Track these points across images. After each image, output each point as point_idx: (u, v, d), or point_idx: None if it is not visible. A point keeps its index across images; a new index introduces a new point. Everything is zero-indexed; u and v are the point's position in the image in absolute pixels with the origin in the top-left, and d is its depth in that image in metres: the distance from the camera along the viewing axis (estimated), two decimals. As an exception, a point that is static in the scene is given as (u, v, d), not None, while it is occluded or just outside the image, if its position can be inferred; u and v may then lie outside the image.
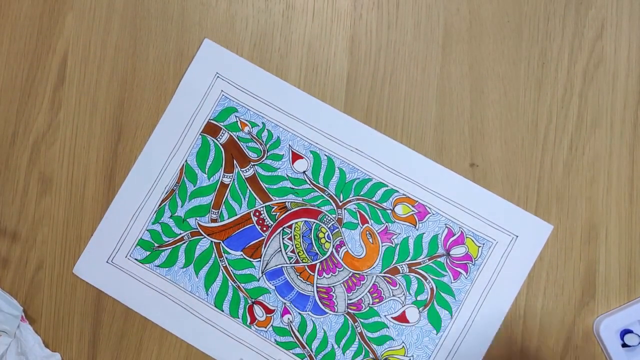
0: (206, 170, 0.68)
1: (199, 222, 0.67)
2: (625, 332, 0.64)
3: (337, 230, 0.67)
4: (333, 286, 0.66)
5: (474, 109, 0.67)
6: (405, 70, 0.68)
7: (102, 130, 0.69)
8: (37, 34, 0.69)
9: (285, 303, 0.66)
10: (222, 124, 0.68)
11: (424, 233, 0.66)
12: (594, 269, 0.66)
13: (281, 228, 0.67)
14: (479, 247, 0.66)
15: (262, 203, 0.67)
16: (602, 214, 0.66)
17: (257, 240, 0.67)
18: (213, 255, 0.67)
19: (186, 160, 0.68)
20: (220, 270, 0.67)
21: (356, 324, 0.66)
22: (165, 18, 0.69)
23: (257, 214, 0.67)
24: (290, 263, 0.67)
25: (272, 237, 0.67)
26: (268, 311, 0.66)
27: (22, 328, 0.66)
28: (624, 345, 0.64)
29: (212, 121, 0.68)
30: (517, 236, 0.66)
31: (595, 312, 0.66)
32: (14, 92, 0.69)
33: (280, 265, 0.67)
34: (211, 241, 0.67)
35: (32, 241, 0.68)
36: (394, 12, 0.68)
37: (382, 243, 0.66)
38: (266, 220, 0.67)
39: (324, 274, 0.66)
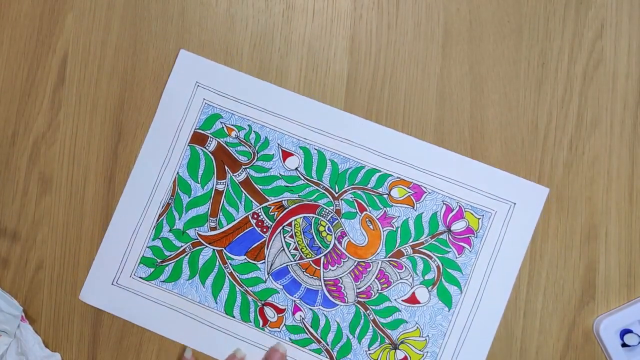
0: (199, 179, 0.68)
1: (199, 232, 0.67)
2: (625, 332, 0.64)
3: (336, 221, 0.67)
4: (340, 277, 0.66)
5: (474, 109, 0.67)
6: (405, 70, 0.68)
7: (102, 130, 0.69)
8: (37, 34, 0.69)
9: (295, 301, 0.66)
10: (208, 132, 0.68)
11: (422, 213, 0.66)
12: (594, 269, 0.66)
13: (281, 227, 0.67)
14: (479, 218, 0.66)
15: (259, 205, 0.67)
16: (602, 214, 0.66)
17: (259, 243, 0.67)
18: (217, 263, 0.67)
19: (178, 173, 0.68)
20: (226, 277, 0.67)
21: (368, 311, 0.66)
22: (165, 18, 0.69)
23: (256, 216, 0.67)
24: (295, 260, 0.67)
25: (273, 237, 0.67)
26: (279, 311, 0.66)
27: (22, 328, 0.66)
28: (624, 345, 0.64)
29: (198, 130, 0.68)
30: (514, 203, 0.66)
31: (595, 312, 0.66)
32: (14, 92, 0.69)
33: (285, 264, 0.67)
34: (213, 249, 0.67)
35: (32, 241, 0.68)
36: (394, 12, 0.68)
37: (382, 228, 0.66)
38: (265, 222, 0.67)
39: (330, 267, 0.66)
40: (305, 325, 0.66)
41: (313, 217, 0.67)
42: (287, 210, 0.67)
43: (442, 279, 0.66)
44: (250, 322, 0.66)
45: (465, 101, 0.67)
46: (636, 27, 0.67)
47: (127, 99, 0.69)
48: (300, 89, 0.68)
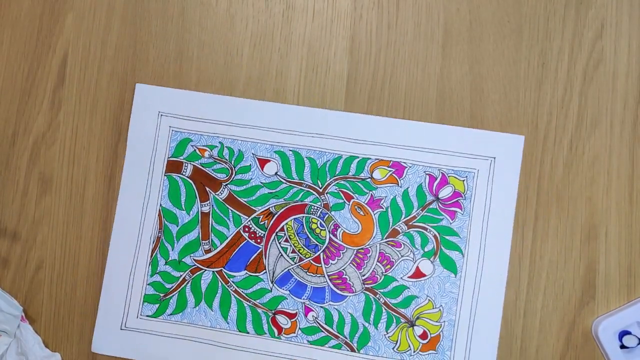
0: (183, 206, 0.68)
1: (195, 258, 0.68)
2: (624, 333, 0.64)
3: (327, 215, 0.67)
4: (343, 269, 0.66)
5: (474, 109, 0.67)
6: (405, 70, 0.68)
7: (102, 130, 0.69)
8: (37, 34, 0.69)
9: (304, 302, 0.67)
10: (181, 158, 0.68)
11: (408, 187, 0.67)
12: (594, 269, 0.66)
13: (274, 234, 0.67)
14: (463, 180, 0.67)
15: (247, 217, 0.68)
16: (602, 214, 0.66)
17: (256, 254, 0.67)
18: (219, 284, 0.67)
19: (160, 205, 0.68)
20: (232, 295, 0.67)
21: (377, 296, 0.66)
22: (165, 18, 0.69)
23: (247, 229, 0.67)
24: (295, 263, 0.67)
25: (269, 246, 0.67)
26: (291, 316, 0.67)
27: (22, 328, 0.67)
28: (622, 346, 0.64)
29: (171, 159, 0.68)
30: (494, 157, 0.66)
31: (595, 312, 0.66)
32: (14, 92, 0.69)
33: (286, 269, 0.67)
34: (213, 271, 0.67)
35: (32, 241, 0.68)
36: (394, 12, 0.68)
37: (373, 212, 0.67)
38: (257, 232, 0.67)
39: (330, 261, 0.67)
40: (319, 324, 0.66)
41: (303, 216, 0.67)
42: (276, 216, 0.67)
43: (442, 247, 0.66)
44: (265, 333, 0.67)
45: (465, 101, 0.67)
46: (636, 27, 0.67)
47: (127, 99, 0.69)
48: (300, 89, 0.68)
